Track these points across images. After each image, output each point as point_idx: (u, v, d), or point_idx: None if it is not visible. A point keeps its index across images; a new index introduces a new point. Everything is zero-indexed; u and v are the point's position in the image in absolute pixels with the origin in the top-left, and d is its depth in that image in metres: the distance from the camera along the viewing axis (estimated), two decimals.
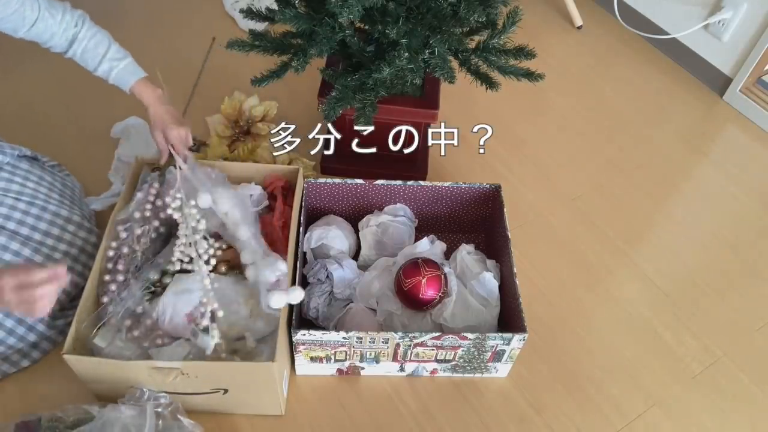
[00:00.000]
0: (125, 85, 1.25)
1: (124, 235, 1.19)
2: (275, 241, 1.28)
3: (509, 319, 1.23)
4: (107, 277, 1.16)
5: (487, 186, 1.37)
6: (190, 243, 1.13)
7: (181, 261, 1.14)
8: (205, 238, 1.15)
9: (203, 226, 1.15)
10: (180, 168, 1.21)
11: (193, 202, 1.16)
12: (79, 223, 1.29)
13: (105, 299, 1.14)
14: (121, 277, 1.16)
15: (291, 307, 1.16)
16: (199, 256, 1.13)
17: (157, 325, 1.14)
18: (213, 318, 1.08)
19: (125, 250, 1.18)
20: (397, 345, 1.16)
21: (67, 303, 1.24)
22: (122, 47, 1.27)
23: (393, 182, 1.35)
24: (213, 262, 1.14)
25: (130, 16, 2.00)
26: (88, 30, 1.22)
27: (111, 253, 1.17)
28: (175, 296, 1.14)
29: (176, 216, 1.15)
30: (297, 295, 1.11)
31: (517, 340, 1.15)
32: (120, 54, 1.25)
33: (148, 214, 1.22)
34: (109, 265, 1.17)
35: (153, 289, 1.21)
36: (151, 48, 1.90)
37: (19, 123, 1.65)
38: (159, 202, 1.24)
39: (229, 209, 1.19)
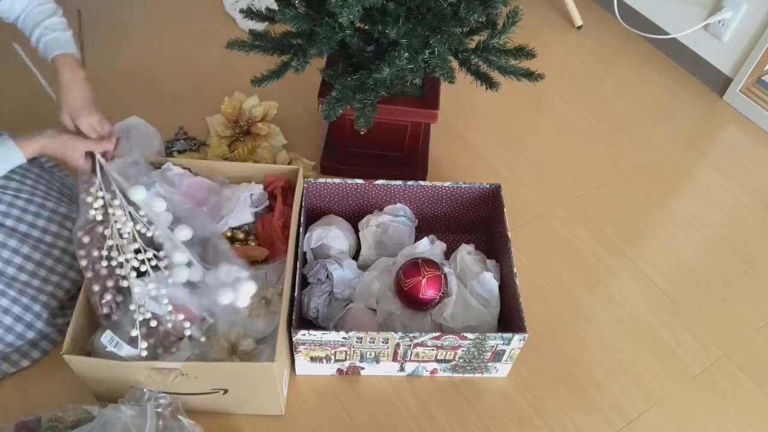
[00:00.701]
0: (49, 53, 1.18)
1: (86, 239, 1.09)
2: (275, 241, 1.29)
3: (509, 319, 1.23)
4: (95, 288, 1.08)
5: (487, 186, 1.37)
6: (117, 247, 1.05)
7: (135, 269, 1.06)
8: (135, 240, 1.05)
9: (129, 228, 1.06)
10: (99, 162, 1.12)
11: (117, 202, 1.08)
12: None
13: (105, 310, 1.08)
14: (110, 283, 1.08)
15: (291, 307, 1.16)
16: (127, 261, 1.04)
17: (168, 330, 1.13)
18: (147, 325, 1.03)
19: (95, 253, 1.08)
20: (397, 345, 1.16)
21: (67, 301, 1.24)
22: (69, 26, 1.23)
23: (393, 182, 1.35)
24: (162, 268, 1.04)
25: (130, 16, 2.00)
26: (44, 6, 1.20)
27: (84, 263, 1.08)
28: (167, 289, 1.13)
29: (99, 218, 1.07)
30: (246, 289, 1.05)
31: (517, 340, 1.15)
32: (59, 26, 1.20)
33: (100, 213, 1.10)
34: (89, 274, 1.08)
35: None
36: (150, 48, 1.90)
37: (20, 123, 1.65)
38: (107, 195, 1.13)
39: (162, 209, 1.10)
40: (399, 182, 1.35)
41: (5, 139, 1.10)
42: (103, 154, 1.15)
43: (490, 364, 1.23)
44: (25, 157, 1.11)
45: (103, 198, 1.08)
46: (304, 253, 1.33)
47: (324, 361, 1.20)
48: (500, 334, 1.14)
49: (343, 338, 1.13)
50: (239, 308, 1.16)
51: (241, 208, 1.28)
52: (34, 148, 1.12)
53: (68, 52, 1.19)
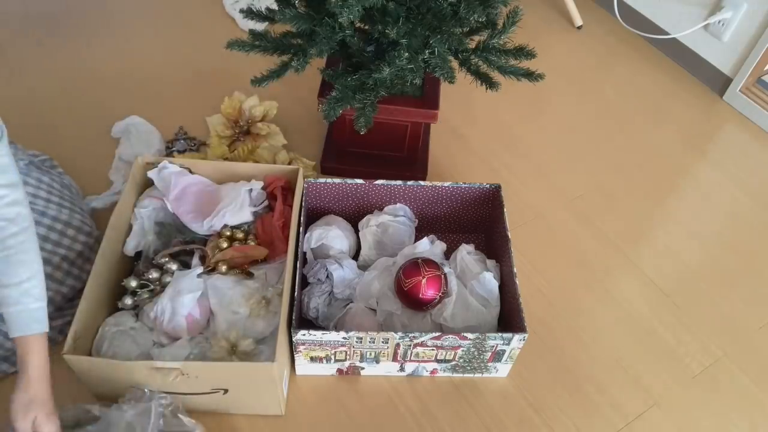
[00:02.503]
0: (19, 329, 0.96)
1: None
2: (275, 241, 1.29)
3: (509, 319, 1.23)
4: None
5: (487, 186, 1.37)
6: None
7: None
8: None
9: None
10: None
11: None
12: (78, 227, 1.28)
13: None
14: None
15: (291, 307, 1.16)
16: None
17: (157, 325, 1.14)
18: None
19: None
20: (397, 345, 1.16)
21: (65, 303, 1.23)
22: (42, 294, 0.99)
23: (393, 182, 1.35)
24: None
25: (130, 16, 2.00)
26: (26, 242, 0.97)
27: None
28: (174, 297, 1.14)
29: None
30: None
31: (517, 340, 1.15)
32: (38, 291, 0.98)
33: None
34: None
35: (152, 287, 1.21)
36: (150, 48, 1.90)
37: (20, 123, 1.65)
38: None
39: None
40: (399, 182, 1.35)
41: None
42: None
43: (490, 364, 1.23)
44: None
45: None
46: (304, 253, 1.33)
47: (324, 361, 1.20)
48: (500, 334, 1.13)
49: (343, 338, 1.13)
50: (239, 308, 1.17)
51: (240, 205, 1.28)
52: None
53: (41, 333, 0.98)
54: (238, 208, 1.28)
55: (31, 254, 0.97)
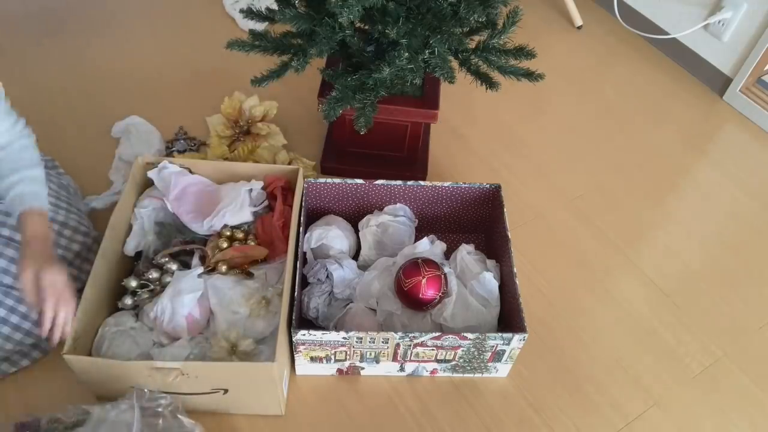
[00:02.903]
0: (21, 204, 1.06)
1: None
2: (275, 241, 1.29)
3: (509, 319, 1.23)
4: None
5: (487, 186, 1.37)
6: None
7: None
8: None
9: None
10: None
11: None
12: (75, 228, 1.27)
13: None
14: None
15: (291, 307, 1.16)
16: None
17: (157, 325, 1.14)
18: None
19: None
20: (397, 345, 1.16)
21: None
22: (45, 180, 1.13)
23: (393, 182, 1.35)
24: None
25: (130, 16, 2.00)
26: (29, 145, 1.12)
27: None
28: (174, 297, 1.14)
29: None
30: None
31: (517, 340, 1.15)
32: (39, 180, 1.11)
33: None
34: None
35: (152, 287, 1.21)
36: (150, 48, 1.90)
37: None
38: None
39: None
40: (399, 182, 1.35)
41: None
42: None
43: (490, 364, 1.23)
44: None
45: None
46: (304, 253, 1.33)
47: (324, 361, 1.20)
48: (500, 334, 1.13)
49: (343, 338, 1.13)
50: (239, 308, 1.17)
51: (240, 205, 1.28)
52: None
53: (41, 208, 1.08)
54: (238, 208, 1.28)
55: (31, 152, 1.12)
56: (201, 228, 1.28)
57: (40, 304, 1.02)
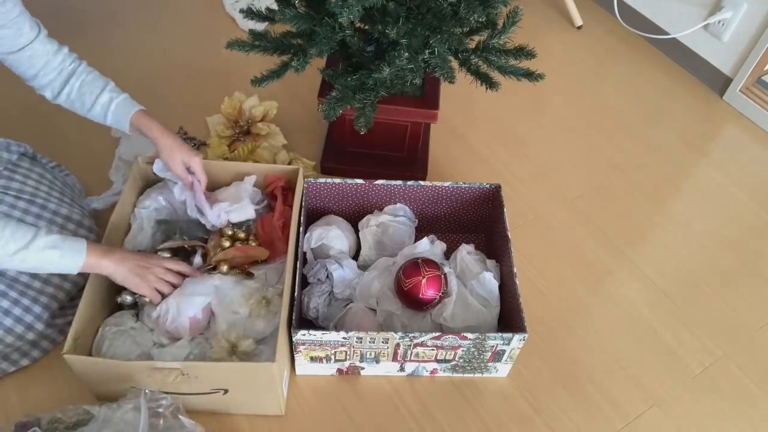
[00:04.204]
0: (126, 115, 1.20)
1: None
2: (275, 241, 1.29)
3: (509, 319, 1.23)
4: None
5: (487, 186, 1.37)
6: None
7: None
8: None
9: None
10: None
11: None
12: (79, 222, 1.29)
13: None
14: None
15: (291, 307, 1.16)
16: None
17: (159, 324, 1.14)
18: None
19: None
20: (397, 345, 1.16)
21: (67, 302, 1.24)
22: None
23: (393, 182, 1.35)
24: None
25: (130, 16, 2.00)
26: (87, 67, 1.20)
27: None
28: (182, 298, 1.14)
29: None
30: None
31: (517, 340, 1.15)
32: (119, 90, 1.22)
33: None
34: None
35: None
36: (150, 48, 1.91)
37: (21, 122, 1.65)
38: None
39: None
40: (399, 182, 1.35)
41: (79, 241, 1.06)
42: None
43: (490, 364, 1.23)
44: (80, 269, 1.05)
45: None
46: (304, 253, 1.33)
47: (324, 361, 1.20)
48: (500, 334, 1.14)
49: (343, 338, 1.13)
50: (239, 308, 1.16)
51: (245, 202, 1.29)
52: (102, 266, 1.08)
53: (143, 109, 1.23)
54: (242, 206, 1.28)
55: (95, 72, 1.21)
56: (209, 217, 1.26)
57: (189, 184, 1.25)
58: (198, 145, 1.63)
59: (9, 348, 1.17)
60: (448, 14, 1.17)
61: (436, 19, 1.17)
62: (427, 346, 1.16)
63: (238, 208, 1.28)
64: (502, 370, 1.26)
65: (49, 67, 1.15)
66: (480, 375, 1.27)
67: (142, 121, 1.21)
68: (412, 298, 1.21)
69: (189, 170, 1.25)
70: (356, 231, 1.39)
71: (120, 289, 1.22)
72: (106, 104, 1.19)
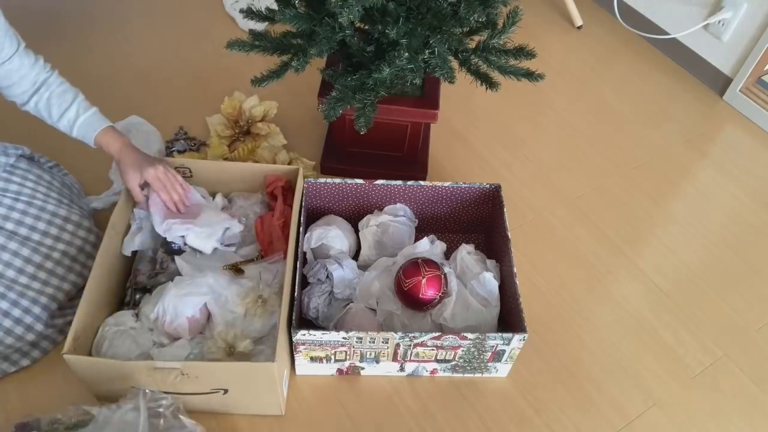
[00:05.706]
0: (91, 132, 1.21)
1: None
2: (275, 241, 1.29)
3: (509, 319, 1.23)
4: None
5: (487, 186, 1.37)
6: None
7: None
8: None
9: None
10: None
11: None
12: (78, 222, 1.29)
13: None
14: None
15: (291, 306, 1.16)
16: None
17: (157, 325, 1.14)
18: None
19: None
20: (397, 345, 1.16)
21: (66, 302, 1.24)
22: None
23: (393, 182, 1.35)
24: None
25: (130, 16, 2.00)
26: (58, 78, 1.22)
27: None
28: (177, 298, 1.14)
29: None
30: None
31: (517, 340, 1.15)
32: (87, 104, 1.23)
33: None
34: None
35: (148, 287, 1.21)
36: (150, 48, 1.90)
37: (20, 122, 1.65)
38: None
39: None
40: (399, 182, 1.35)
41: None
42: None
43: (490, 364, 1.23)
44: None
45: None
46: (304, 253, 1.33)
47: (324, 361, 1.20)
48: (500, 334, 1.14)
49: (343, 338, 1.13)
50: (235, 308, 1.16)
51: (208, 235, 1.26)
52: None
53: (108, 126, 1.23)
54: (205, 235, 1.25)
55: (66, 84, 1.22)
56: (157, 229, 1.24)
57: (144, 201, 1.24)
58: (198, 145, 1.63)
59: (9, 349, 1.17)
60: (448, 14, 1.17)
61: (436, 19, 1.17)
62: (427, 346, 1.16)
63: (201, 236, 1.25)
64: (502, 370, 1.26)
65: (24, 79, 1.17)
66: (480, 375, 1.27)
67: (104, 139, 1.22)
68: (412, 298, 1.21)
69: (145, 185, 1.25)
70: (356, 231, 1.39)
71: (121, 292, 1.22)
72: (72, 119, 1.20)
